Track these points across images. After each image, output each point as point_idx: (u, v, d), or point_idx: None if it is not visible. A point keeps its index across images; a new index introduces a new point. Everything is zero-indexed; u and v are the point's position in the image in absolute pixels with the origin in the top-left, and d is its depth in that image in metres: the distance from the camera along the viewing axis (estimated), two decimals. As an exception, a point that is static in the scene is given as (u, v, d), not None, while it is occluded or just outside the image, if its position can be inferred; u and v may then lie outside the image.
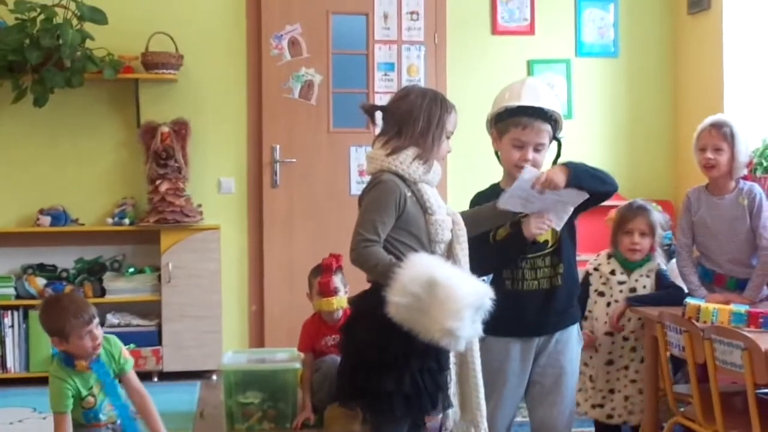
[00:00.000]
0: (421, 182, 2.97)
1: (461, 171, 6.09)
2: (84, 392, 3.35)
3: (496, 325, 2.85)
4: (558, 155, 3.26)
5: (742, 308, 3.30)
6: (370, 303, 2.88)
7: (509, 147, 3.15)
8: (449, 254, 2.99)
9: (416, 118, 2.97)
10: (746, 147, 3.99)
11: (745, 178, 4.04)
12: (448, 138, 3.05)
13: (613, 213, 4.26)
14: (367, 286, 2.99)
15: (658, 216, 4.04)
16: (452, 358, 3.00)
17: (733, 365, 3.08)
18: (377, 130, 3.09)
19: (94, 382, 3.35)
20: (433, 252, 2.93)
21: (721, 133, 3.92)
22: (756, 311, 3.27)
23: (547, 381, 3.23)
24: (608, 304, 3.92)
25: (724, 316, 3.27)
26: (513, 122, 3.13)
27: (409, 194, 2.93)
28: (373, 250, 2.84)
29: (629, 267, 3.95)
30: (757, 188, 3.98)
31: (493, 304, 2.76)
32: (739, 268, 3.97)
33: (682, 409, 3.58)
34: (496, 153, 3.29)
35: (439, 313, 2.69)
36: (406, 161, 2.93)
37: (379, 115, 3.07)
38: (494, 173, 3.16)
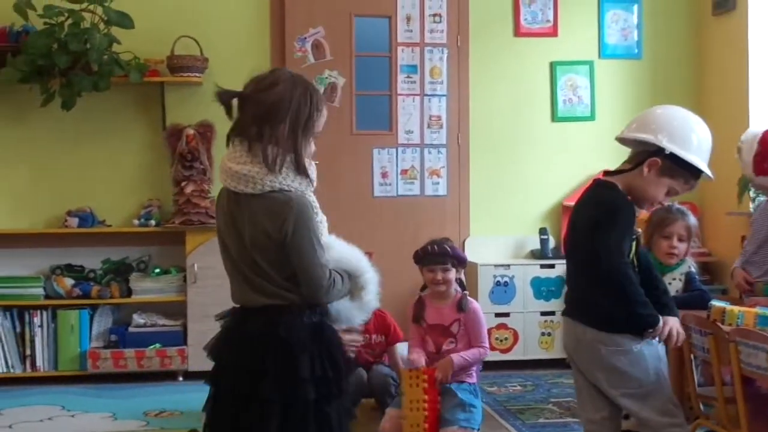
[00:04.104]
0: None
1: (485, 181, 6.12)
2: None
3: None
4: None
5: (768, 311, 3.30)
6: (308, 329, 2.48)
7: (664, 188, 2.96)
8: None
9: (282, 117, 2.48)
10: (748, 155, 4.10)
11: None
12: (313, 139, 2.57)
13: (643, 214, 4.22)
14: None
15: (694, 221, 3.98)
16: None
17: (758, 368, 3.08)
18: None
19: None
20: None
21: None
22: (782, 314, 3.26)
23: None
24: None
25: (750, 319, 3.26)
26: (690, 181, 2.98)
27: None
28: (336, 279, 2.52)
29: (662, 270, 3.79)
30: None
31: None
32: None
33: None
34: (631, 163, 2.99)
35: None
36: (289, 178, 2.47)
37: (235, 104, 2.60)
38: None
